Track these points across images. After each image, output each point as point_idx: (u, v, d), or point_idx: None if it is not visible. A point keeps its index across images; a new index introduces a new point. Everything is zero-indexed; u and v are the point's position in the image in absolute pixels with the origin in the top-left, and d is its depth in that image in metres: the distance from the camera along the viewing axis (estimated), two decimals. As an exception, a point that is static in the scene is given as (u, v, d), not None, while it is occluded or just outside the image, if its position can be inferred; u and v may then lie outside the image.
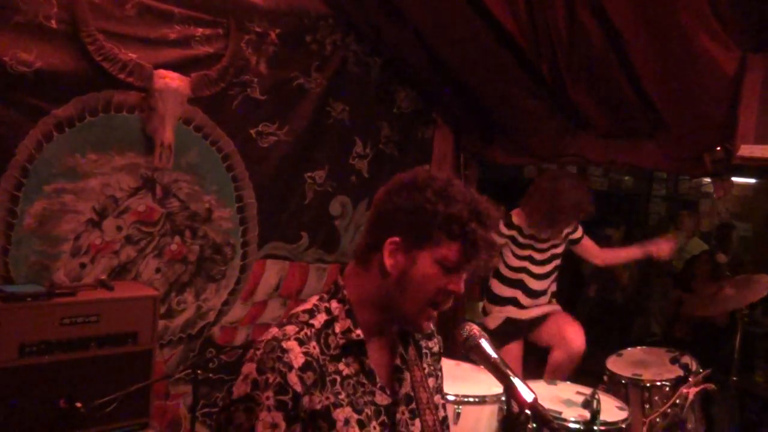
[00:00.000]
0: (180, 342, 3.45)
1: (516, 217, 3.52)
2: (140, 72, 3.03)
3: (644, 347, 3.64)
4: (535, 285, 3.53)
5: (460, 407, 2.58)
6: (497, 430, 2.62)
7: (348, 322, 1.36)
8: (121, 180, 3.13)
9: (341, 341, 1.35)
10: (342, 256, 4.10)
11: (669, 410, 2.31)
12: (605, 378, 3.18)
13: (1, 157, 2.80)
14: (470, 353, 1.44)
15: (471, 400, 2.60)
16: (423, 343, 1.55)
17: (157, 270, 3.32)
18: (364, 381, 1.36)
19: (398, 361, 1.44)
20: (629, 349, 3.48)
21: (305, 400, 1.25)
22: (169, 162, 3.16)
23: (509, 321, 3.57)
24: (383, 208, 1.39)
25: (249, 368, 1.28)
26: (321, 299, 1.41)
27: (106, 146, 3.06)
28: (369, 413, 1.34)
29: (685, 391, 2.40)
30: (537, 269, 3.52)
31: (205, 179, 3.42)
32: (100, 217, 3.10)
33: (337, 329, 1.35)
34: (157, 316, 3.02)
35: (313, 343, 1.31)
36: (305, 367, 1.26)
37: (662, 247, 3.63)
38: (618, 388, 3.08)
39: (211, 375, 3.52)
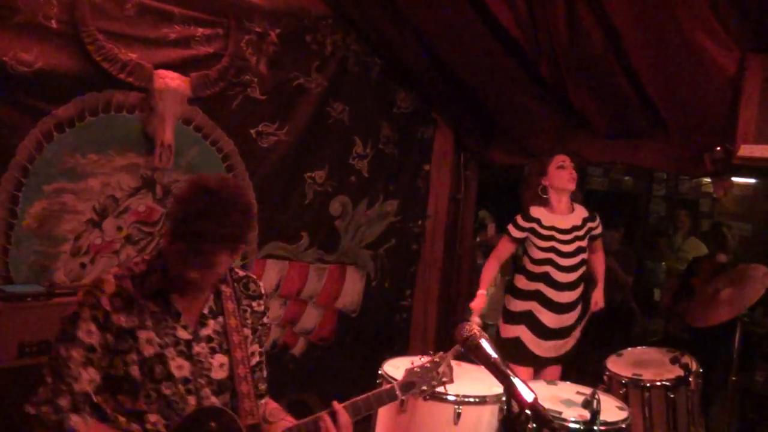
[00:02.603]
0: (180, 342, 3.45)
1: (533, 210, 3.53)
2: (140, 72, 3.03)
3: (644, 347, 3.64)
4: (561, 277, 3.46)
5: (460, 407, 2.56)
6: (497, 430, 2.61)
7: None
8: (121, 180, 3.13)
9: (154, 288, 1.73)
10: (342, 256, 4.10)
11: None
12: (605, 378, 3.18)
13: (1, 157, 2.80)
14: (470, 353, 1.44)
15: (471, 400, 2.59)
16: (245, 302, 1.88)
17: (157, 270, 3.32)
18: (167, 318, 1.73)
19: (206, 311, 1.79)
20: (629, 349, 3.46)
21: (114, 317, 1.66)
22: (169, 162, 3.16)
23: (520, 344, 3.46)
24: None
25: (77, 296, 1.72)
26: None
27: (106, 146, 3.06)
28: (168, 341, 1.71)
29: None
30: (563, 261, 3.45)
31: (205, 179, 3.41)
32: (100, 217, 3.10)
33: (154, 280, 1.73)
34: (157, 316, 3.02)
35: (128, 282, 1.71)
36: (115, 294, 1.68)
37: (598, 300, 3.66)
38: (618, 388, 3.08)
39: (211, 375, 3.51)
